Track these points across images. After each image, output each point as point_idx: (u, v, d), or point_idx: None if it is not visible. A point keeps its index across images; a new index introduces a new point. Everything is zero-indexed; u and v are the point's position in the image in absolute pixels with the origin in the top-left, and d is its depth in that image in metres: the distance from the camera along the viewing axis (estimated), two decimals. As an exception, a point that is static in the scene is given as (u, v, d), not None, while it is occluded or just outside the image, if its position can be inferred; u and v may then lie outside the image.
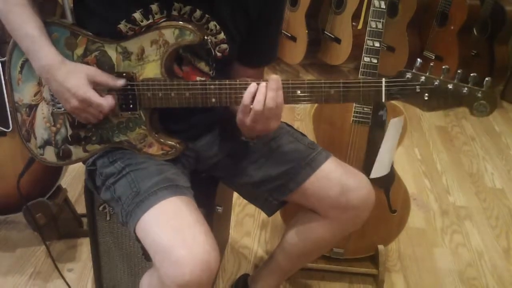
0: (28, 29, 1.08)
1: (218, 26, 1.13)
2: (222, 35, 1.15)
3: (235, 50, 1.19)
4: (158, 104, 1.13)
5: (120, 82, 1.11)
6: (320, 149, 1.28)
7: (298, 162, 1.25)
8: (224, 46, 1.16)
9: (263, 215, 1.73)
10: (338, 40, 3.19)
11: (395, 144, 1.42)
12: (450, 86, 1.01)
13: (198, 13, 1.11)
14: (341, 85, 1.04)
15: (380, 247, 1.72)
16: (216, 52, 1.17)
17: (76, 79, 1.07)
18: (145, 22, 1.10)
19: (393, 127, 1.28)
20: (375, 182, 1.27)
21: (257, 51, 1.25)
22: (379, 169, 1.20)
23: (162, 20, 1.10)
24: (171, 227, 1.03)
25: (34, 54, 1.09)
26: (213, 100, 1.10)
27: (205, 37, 1.13)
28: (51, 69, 1.08)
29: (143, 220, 1.06)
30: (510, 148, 2.76)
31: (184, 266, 0.97)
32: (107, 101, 1.10)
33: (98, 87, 1.10)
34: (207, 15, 1.12)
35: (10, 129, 1.52)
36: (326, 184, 1.23)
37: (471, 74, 1.01)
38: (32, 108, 1.19)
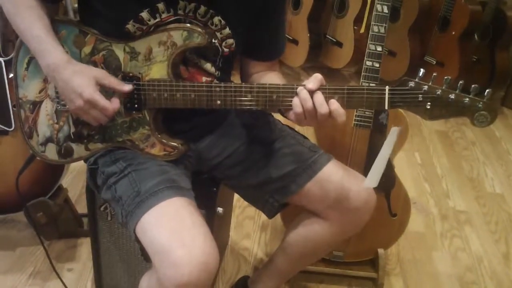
0: (35, 30, 1.09)
1: (223, 21, 1.14)
2: (227, 30, 1.15)
3: (241, 45, 1.20)
4: (163, 104, 1.13)
5: (127, 88, 1.11)
6: (322, 151, 1.28)
7: (299, 164, 1.25)
8: (230, 41, 1.17)
9: (263, 217, 1.73)
10: (339, 44, 3.20)
11: (389, 152, 1.44)
12: (452, 96, 1.02)
13: (202, 9, 1.12)
14: (345, 91, 1.04)
15: (380, 250, 1.72)
16: (223, 48, 1.17)
17: (83, 79, 1.07)
18: (152, 21, 1.11)
19: (391, 135, 1.31)
20: (375, 185, 1.28)
21: (267, 45, 1.27)
22: (372, 180, 1.21)
23: (170, 19, 1.11)
24: (171, 228, 1.03)
25: (41, 53, 1.09)
26: (218, 102, 1.10)
27: (213, 40, 1.14)
28: (58, 68, 1.08)
29: (143, 220, 1.06)
30: (510, 153, 2.76)
31: (182, 267, 0.98)
32: (113, 105, 1.10)
33: (104, 90, 1.10)
34: (211, 11, 1.12)
35: (13, 128, 1.53)
36: (327, 187, 1.23)
37: (473, 86, 1.02)
38: (36, 105, 1.19)
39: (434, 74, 1.04)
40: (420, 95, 1.03)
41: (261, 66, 1.29)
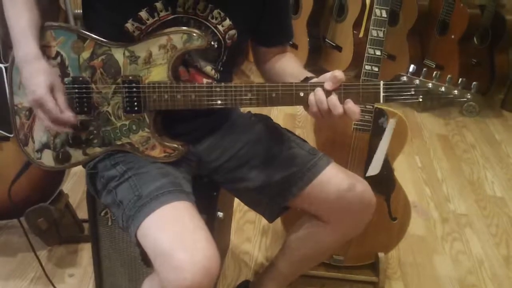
0: (21, 20, 1.10)
1: (222, 13, 1.15)
2: (228, 21, 1.17)
3: (244, 35, 1.21)
4: (163, 106, 1.14)
5: (67, 115, 1.09)
6: (321, 154, 1.29)
7: (299, 167, 1.26)
8: (232, 32, 1.18)
9: (263, 221, 1.73)
10: (339, 48, 3.21)
11: (387, 143, 1.48)
12: (442, 89, 1.09)
13: (201, 4, 1.13)
14: (342, 87, 1.07)
15: (381, 254, 1.72)
16: (226, 40, 1.19)
17: (41, 79, 1.08)
18: (151, 20, 1.12)
19: (389, 127, 1.37)
20: (375, 188, 1.28)
21: (275, 31, 1.30)
22: (375, 168, 1.30)
23: (168, 17, 1.13)
24: (173, 232, 1.03)
25: (18, 43, 1.11)
26: (219, 102, 1.12)
27: (212, 42, 1.15)
28: (25, 62, 1.09)
29: (144, 224, 1.07)
30: (510, 156, 2.77)
31: (185, 271, 0.97)
32: (62, 114, 1.09)
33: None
34: (210, 5, 1.14)
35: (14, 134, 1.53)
36: (328, 189, 1.23)
37: (460, 79, 1.09)
38: (32, 111, 1.19)
39: (424, 69, 1.11)
40: (412, 89, 1.09)
41: (273, 51, 1.32)
